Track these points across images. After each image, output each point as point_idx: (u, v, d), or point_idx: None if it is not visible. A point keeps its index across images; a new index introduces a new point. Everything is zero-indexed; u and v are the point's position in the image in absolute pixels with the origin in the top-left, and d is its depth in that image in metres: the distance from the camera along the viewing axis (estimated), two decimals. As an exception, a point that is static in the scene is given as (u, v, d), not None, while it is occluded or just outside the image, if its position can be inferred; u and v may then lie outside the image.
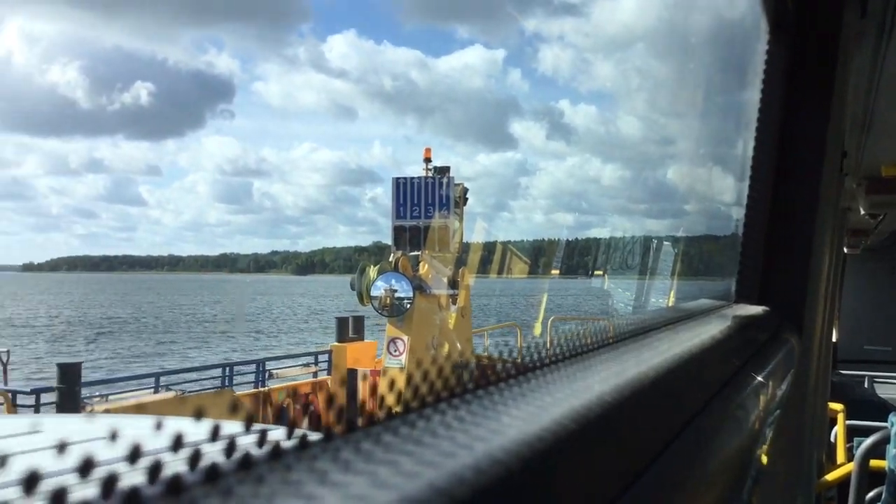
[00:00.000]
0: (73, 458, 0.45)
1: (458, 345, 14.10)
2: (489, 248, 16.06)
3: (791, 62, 2.71)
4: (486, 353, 16.23)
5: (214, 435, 0.51)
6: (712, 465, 1.20)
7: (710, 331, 1.60)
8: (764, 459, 1.81)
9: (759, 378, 1.74)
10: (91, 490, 0.43)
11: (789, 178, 2.75)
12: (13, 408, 10.75)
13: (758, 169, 2.73)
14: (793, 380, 2.30)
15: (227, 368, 14.67)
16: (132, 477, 0.45)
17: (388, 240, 14.70)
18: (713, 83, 3.55)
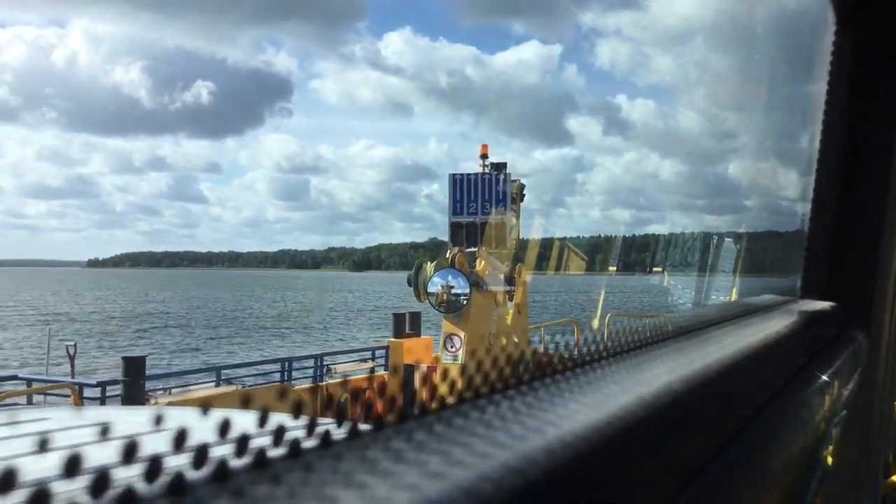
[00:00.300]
0: (115, 444, 0.46)
1: (515, 341, 14.05)
2: (546, 244, 15.96)
3: (858, 54, 2.63)
4: (542, 349, 16.11)
5: (262, 423, 0.51)
6: (775, 465, 1.17)
7: (773, 327, 1.56)
8: (829, 460, 1.76)
9: (825, 377, 1.69)
10: (134, 474, 0.43)
11: (858, 171, 2.67)
12: (80, 400, 11.06)
13: (825, 163, 2.66)
14: (860, 378, 2.23)
15: (286, 363, 14.86)
16: (176, 462, 0.45)
17: (444, 236, 14.72)
18: (776, 76, 3.46)
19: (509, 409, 0.65)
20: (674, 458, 0.78)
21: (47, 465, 0.40)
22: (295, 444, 0.51)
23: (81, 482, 0.40)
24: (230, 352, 41.37)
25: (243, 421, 0.50)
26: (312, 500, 0.45)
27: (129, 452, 0.40)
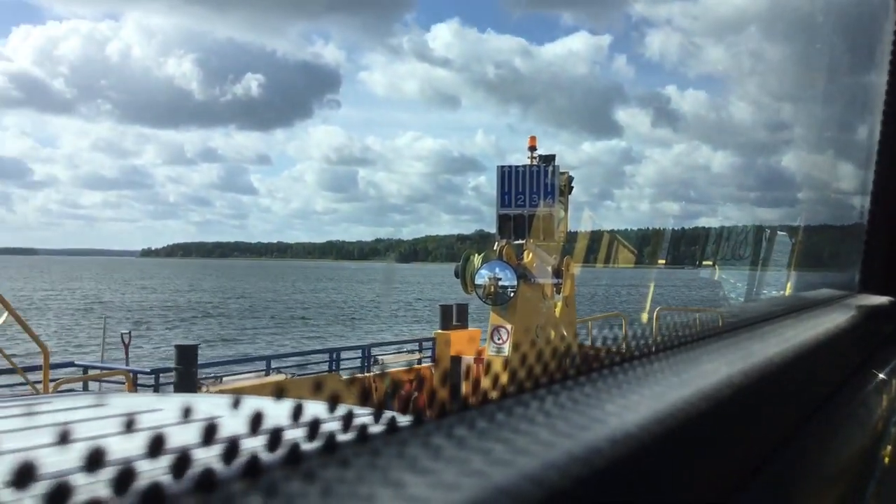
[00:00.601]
0: (140, 436, 0.45)
1: (563, 334, 13.97)
2: (595, 237, 15.82)
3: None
4: (590, 343, 16.02)
5: (296, 416, 0.50)
6: (832, 464, 1.12)
7: (829, 322, 1.51)
8: (886, 460, 1.70)
9: (882, 374, 1.63)
10: (161, 468, 0.42)
11: None
12: (134, 387, 11.29)
13: (885, 155, 2.57)
14: (921, 377, 2.15)
15: (335, 353, 14.98)
16: (208, 457, 0.44)
17: (491, 228, 14.67)
18: (835, 66, 3.37)
19: (562, 402, 0.63)
20: (729, 456, 0.76)
21: (132, 447, 0.40)
22: (330, 437, 0.50)
23: (163, 463, 0.40)
24: (279, 342, 41.89)
25: (276, 409, 0.50)
26: (350, 498, 0.44)
27: (209, 435, 0.40)
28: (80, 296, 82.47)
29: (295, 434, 0.48)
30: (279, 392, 0.48)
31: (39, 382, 9.67)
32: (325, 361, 14.73)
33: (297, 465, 0.47)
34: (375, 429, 0.55)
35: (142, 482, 0.38)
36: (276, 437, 0.47)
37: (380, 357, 15.91)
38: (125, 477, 0.37)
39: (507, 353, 13.01)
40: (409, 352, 16.76)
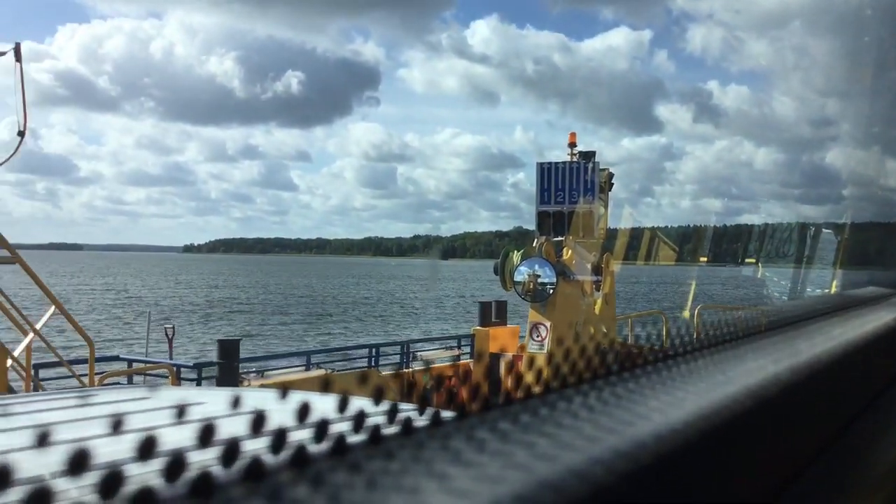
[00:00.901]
0: (192, 427, 0.46)
1: (603, 331, 13.87)
2: (635, 234, 15.68)
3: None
4: (630, 340, 15.87)
5: (342, 408, 0.50)
6: (881, 465, 1.10)
7: (876, 320, 1.48)
8: None
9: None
10: (210, 457, 0.43)
11: None
12: (177, 381, 11.47)
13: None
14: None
15: (374, 349, 15.06)
16: (255, 447, 0.45)
17: (529, 225, 14.63)
18: (881, 60, 3.30)
19: (605, 398, 0.63)
20: (775, 455, 0.75)
21: (184, 437, 0.41)
22: (375, 430, 0.50)
23: (212, 454, 0.41)
24: (318, 337, 42.22)
25: (321, 403, 0.50)
26: (394, 490, 0.45)
27: (257, 426, 0.41)
28: (123, 291, 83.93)
29: (341, 427, 0.49)
30: (325, 385, 0.49)
31: (85, 375, 9.86)
32: (365, 357, 14.82)
33: (343, 457, 0.48)
34: (420, 422, 0.55)
35: (192, 471, 0.39)
36: (322, 429, 0.48)
37: (419, 353, 15.96)
38: (175, 466, 0.38)
39: (546, 350, 12.97)
40: (447, 348, 16.79)
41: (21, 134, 9.56)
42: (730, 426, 0.66)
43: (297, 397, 0.46)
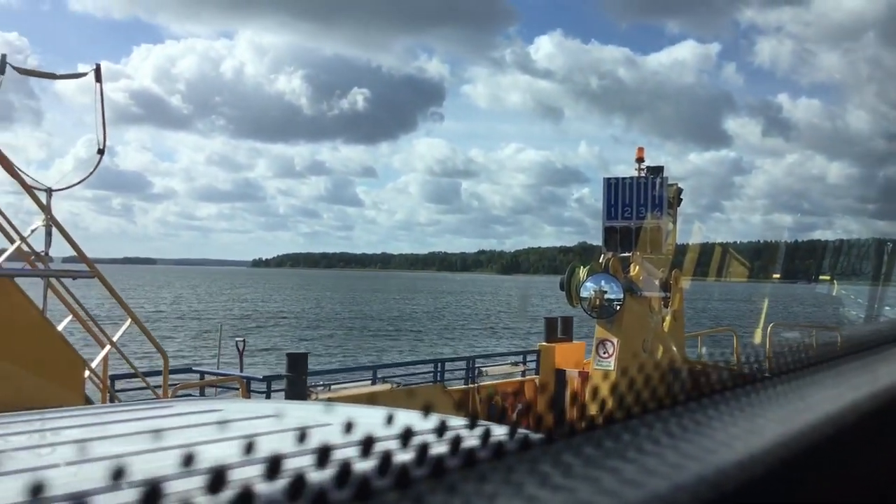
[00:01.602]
0: (312, 443, 0.49)
1: (672, 349, 13.66)
2: (705, 249, 15.40)
3: None
4: (700, 360, 15.60)
5: (441, 431, 0.53)
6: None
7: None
8: None
9: None
10: (326, 477, 0.46)
11: None
12: (247, 393, 11.68)
13: None
14: None
15: (439, 364, 15.09)
16: (363, 466, 0.48)
17: (594, 240, 14.51)
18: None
19: (685, 424, 0.64)
20: (859, 484, 0.74)
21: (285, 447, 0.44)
22: (470, 452, 0.53)
23: (328, 472, 0.44)
24: (384, 351, 42.51)
25: (409, 419, 0.53)
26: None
27: (367, 448, 0.43)
28: (194, 304, 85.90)
29: (439, 449, 0.52)
30: (427, 407, 0.52)
31: (159, 387, 10.13)
32: (430, 372, 14.87)
33: (441, 479, 0.50)
34: (510, 445, 0.57)
35: (311, 488, 0.42)
36: (422, 452, 0.50)
37: (483, 368, 15.93)
38: (298, 484, 0.41)
39: (613, 367, 12.81)
40: (513, 364, 16.72)
41: (101, 152, 9.91)
42: (811, 455, 0.66)
43: (400, 419, 0.49)
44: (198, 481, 0.43)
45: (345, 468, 0.44)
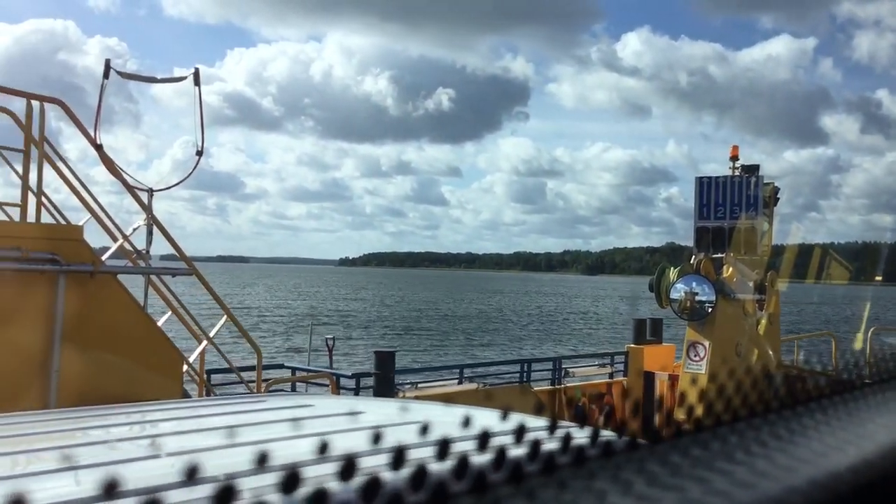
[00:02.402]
0: (388, 444, 0.49)
1: (767, 353, 13.24)
2: (803, 250, 14.85)
3: None
4: (796, 365, 15.06)
5: (520, 435, 0.52)
6: None
7: None
8: None
9: None
10: (401, 479, 0.46)
11: None
12: (337, 389, 11.87)
13: None
14: None
15: (526, 364, 15.02)
16: (440, 469, 0.48)
17: (682, 240, 14.21)
18: None
19: (790, 429, 0.61)
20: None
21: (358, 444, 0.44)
22: (550, 458, 0.52)
23: (404, 474, 0.44)
24: (469, 350, 42.59)
25: (489, 421, 0.52)
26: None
27: (444, 451, 0.43)
28: (286, 302, 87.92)
29: (516, 453, 0.51)
30: (505, 410, 0.51)
31: (253, 382, 10.39)
32: (517, 372, 14.81)
33: (520, 484, 0.50)
34: (591, 450, 0.56)
35: (386, 489, 0.42)
36: (500, 456, 0.50)
37: (570, 370, 15.78)
38: (349, 469, 0.41)
39: (703, 371, 12.50)
40: (600, 365, 16.52)
41: (199, 153, 10.22)
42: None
43: (469, 415, 0.49)
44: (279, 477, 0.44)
45: (420, 471, 0.44)
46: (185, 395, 9.01)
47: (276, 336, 46.45)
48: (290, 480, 0.42)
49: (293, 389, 11.84)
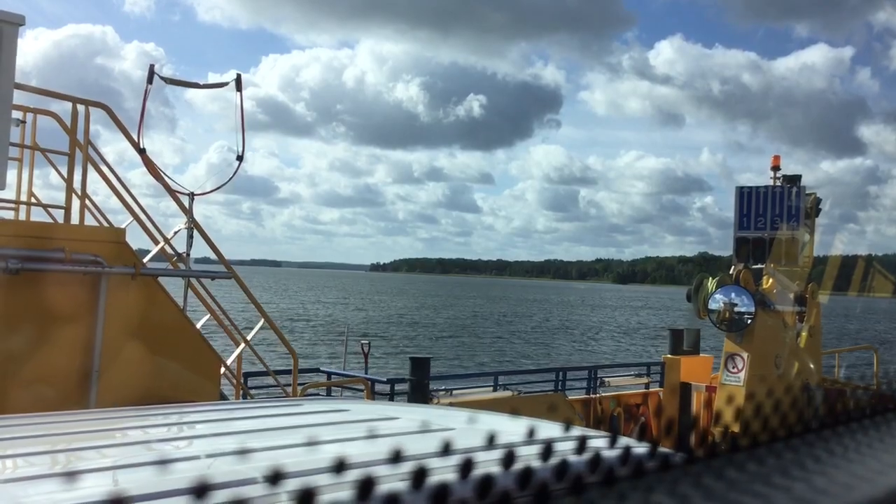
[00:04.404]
0: (455, 455, 0.49)
1: (808, 367, 13.03)
2: (846, 262, 14.59)
3: None
4: (837, 378, 14.80)
5: (581, 447, 0.53)
6: None
7: None
8: None
9: None
10: (467, 490, 0.46)
11: None
12: (371, 395, 11.91)
13: None
14: None
15: (561, 373, 14.93)
16: (504, 480, 0.48)
17: (716, 250, 14.17)
18: None
19: (843, 445, 0.61)
20: None
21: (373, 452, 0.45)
22: (609, 470, 0.52)
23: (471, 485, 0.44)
24: (504, 358, 42.49)
25: (549, 430, 0.53)
26: None
27: (509, 462, 0.44)
28: (320, 306, 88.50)
29: (578, 465, 0.51)
30: (567, 422, 0.51)
31: (289, 386, 10.47)
32: (552, 381, 14.73)
33: (580, 496, 0.50)
34: (650, 464, 0.56)
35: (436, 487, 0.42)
36: (562, 469, 0.50)
37: (606, 379, 15.66)
38: (418, 475, 0.42)
39: (741, 383, 12.33)
40: (636, 375, 16.38)
41: (239, 158, 10.34)
42: None
43: (542, 433, 0.49)
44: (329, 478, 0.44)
45: (486, 482, 0.44)
46: (223, 397, 9.11)
47: (311, 340, 46.78)
48: (365, 486, 0.43)
49: (328, 394, 11.90)
